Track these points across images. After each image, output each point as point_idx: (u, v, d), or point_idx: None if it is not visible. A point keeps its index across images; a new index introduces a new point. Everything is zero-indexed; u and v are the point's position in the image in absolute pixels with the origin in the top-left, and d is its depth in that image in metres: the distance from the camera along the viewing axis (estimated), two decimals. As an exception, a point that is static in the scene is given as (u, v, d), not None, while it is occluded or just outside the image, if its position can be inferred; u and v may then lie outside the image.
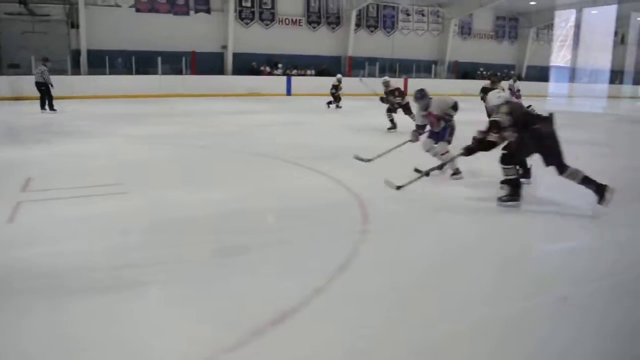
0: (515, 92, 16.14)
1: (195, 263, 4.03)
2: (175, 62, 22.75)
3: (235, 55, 24.83)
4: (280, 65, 25.56)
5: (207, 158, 8.44)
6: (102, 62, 21.52)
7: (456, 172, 6.89)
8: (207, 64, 23.64)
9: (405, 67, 28.05)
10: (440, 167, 6.58)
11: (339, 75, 18.21)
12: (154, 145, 9.47)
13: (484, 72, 29.62)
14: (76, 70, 21.31)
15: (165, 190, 6.15)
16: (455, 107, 6.91)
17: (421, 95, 7.15)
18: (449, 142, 6.95)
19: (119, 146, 9.40)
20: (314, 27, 27.12)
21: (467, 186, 6.56)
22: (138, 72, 21.91)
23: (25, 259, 4.07)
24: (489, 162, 6.15)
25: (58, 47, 21.18)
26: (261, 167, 7.71)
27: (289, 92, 24.22)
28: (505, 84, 15.18)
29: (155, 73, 21.85)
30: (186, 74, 23.07)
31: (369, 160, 7.36)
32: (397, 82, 13.41)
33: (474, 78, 28.58)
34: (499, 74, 20.84)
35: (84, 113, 14.80)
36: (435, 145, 7.04)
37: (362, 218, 5.18)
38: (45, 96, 15.01)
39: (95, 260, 4.06)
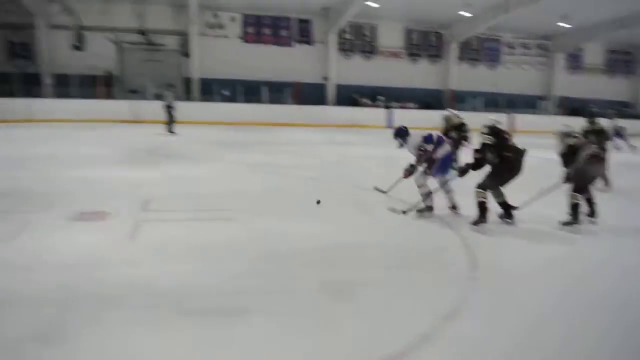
0: (617, 132, 14.91)
1: (300, 296, 4.02)
2: (279, 92, 23.48)
3: (336, 86, 25.22)
4: (380, 98, 25.61)
5: (310, 188, 8.51)
6: (212, 89, 22.67)
7: (453, 207, 6.73)
8: (309, 94, 24.18)
9: (510, 102, 27.16)
10: (423, 209, 6.54)
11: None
12: (260, 172, 9.71)
13: (594, 109, 28.06)
14: (188, 96, 22.53)
15: (270, 219, 6.25)
16: (427, 139, 6.59)
17: (395, 133, 6.97)
18: (427, 174, 6.62)
19: (228, 172, 9.74)
20: (415, 60, 27.05)
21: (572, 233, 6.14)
22: (244, 101, 22.79)
23: (143, 276, 4.24)
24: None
25: (172, 74, 22.57)
26: (364, 200, 7.64)
27: (389, 125, 24.16)
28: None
29: (260, 102, 22.64)
30: (289, 103, 23.70)
31: (384, 192, 7.59)
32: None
33: (583, 115, 27.06)
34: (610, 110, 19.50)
35: (195, 138, 15.54)
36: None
37: (468, 259, 4.98)
38: (169, 119, 16.25)
39: (206, 283, 4.17)
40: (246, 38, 24.33)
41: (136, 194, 7.29)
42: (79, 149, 12.24)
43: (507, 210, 6.28)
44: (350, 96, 25.17)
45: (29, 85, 21.02)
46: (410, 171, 6.79)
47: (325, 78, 25.20)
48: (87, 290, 3.94)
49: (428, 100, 25.89)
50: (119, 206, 6.47)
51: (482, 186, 6.02)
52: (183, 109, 20.47)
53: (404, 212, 6.34)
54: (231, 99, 23.02)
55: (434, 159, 6.58)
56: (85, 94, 21.39)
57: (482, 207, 5.98)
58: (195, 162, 10.83)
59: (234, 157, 11.56)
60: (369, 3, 21.20)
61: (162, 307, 3.68)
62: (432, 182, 6.77)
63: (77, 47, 21.68)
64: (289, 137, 17.55)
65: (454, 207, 6.75)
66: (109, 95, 22.00)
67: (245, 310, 3.67)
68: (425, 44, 27.26)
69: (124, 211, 6.27)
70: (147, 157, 11.24)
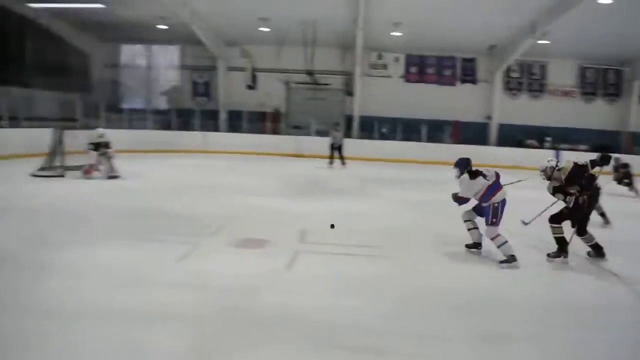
0: None
1: (456, 344, 3.80)
2: (438, 130, 23.17)
3: (499, 126, 24.27)
4: (548, 139, 24.08)
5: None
6: (371, 127, 23.06)
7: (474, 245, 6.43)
8: (470, 133, 23.51)
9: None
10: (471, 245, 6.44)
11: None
12: (416, 211, 9.53)
13: None
14: (348, 133, 23.16)
15: (424, 259, 6.13)
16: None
17: (457, 163, 6.43)
18: (493, 224, 6.03)
19: (384, 208, 9.69)
20: (589, 99, 25.10)
21: None
22: (403, 138, 22.83)
23: (297, 306, 4.30)
24: None
25: (334, 112, 23.42)
26: (527, 248, 7.01)
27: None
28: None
29: (419, 140, 22.51)
30: (448, 142, 23.26)
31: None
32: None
33: None
34: None
35: (354, 174, 15.82)
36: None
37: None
38: (335, 154, 17.29)
39: (356, 319, 4.13)
40: (408, 77, 24.48)
41: (295, 225, 7.54)
42: (246, 179, 13.06)
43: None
44: (513, 136, 24.02)
45: (206, 119, 23.20)
46: (456, 197, 6.35)
47: (488, 117, 24.38)
48: (244, 315, 4.11)
49: (602, 141, 23.76)
50: (279, 236, 6.74)
51: None
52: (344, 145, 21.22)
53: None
54: (390, 136, 23.19)
55: (496, 207, 6.07)
56: (255, 128, 23.04)
57: None
58: (353, 197, 10.98)
59: (390, 194, 11.52)
60: (540, 42, 20.23)
61: (314, 339, 3.69)
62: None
63: (251, 87, 23.66)
64: (447, 175, 17.09)
65: (475, 245, 6.46)
66: (276, 131, 23.47)
67: (396, 354, 3.54)
68: (601, 82, 25.21)
69: (282, 241, 6.51)
70: (308, 190, 11.63)
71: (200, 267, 5.32)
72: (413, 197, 11.23)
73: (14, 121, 17.03)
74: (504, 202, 6.14)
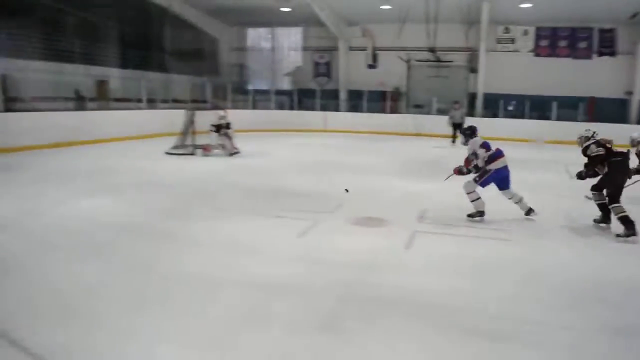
0: None
1: (580, 334, 3.57)
2: (570, 108, 21.64)
3: (641, 102, 22.19)
4: None
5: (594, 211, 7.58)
6: (496, 105, 22.07)
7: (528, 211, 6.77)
8: (607, 110, 21.70)
9: None
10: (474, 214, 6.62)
11: None
12: (539, 194, 8.99)
13: None
14: (470, 112, 22.38)
15: (547, 242, 5.82)
16: (484, 145, 6.72)
17: (464, 130, 7.30)
18: (476, 182, 6.64)
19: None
20: None
21: None
22: (531, 117, 21.65)
23: (413, 285, 4.30)
24: None
25: (456, 90, 22.72)
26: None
27: None
28: None
29: (548, 118, 21.21)
30: (581, 120, 21.69)
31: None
32: None
33: None
34: None
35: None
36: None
37: None
38: (456, 133, 16.75)
39: (472, 301, 4.06)
40: (538, 51, 23.01)
41: (414, 204, 7.50)
42: (365, 158, 13.14)
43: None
44: (659, 114, 21.85)
45: (327, 99, 23.56)
46: (459, 169, 6.85)
47: (629, 93, 22.33)
48: (361, 290, 4.19)
49: None
50: (397, 215, 6.74)
51: None
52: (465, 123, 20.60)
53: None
54: (517, 114, 22.07)
55: (486, 170, 6.61)
56: (375, 108, 23.02)
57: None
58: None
59: (515, 176, 10.96)
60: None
61: (429, 319, 3.68)
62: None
63: (371, 66, 23.72)
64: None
65: (529, 212, 6.77)
66: (396, 110, 23.27)
67: (515, 340, 3.42)
68: None
69: (401, 220, 6.50)
70: (426, 170, 11.43)
71: (320, 243, 5.48)
72: (536, 179, 10.62)
73: (151, 103, 18.49)
74: (497, 170, 6.64)
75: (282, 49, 25.96)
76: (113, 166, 10.60)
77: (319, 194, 8.19)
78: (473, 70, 22.93)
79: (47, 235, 5.60)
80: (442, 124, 17.88)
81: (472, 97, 22.86)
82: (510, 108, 22.47)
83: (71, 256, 4.91)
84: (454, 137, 17.04)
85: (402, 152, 15.21)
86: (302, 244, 5.48)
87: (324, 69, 25.45)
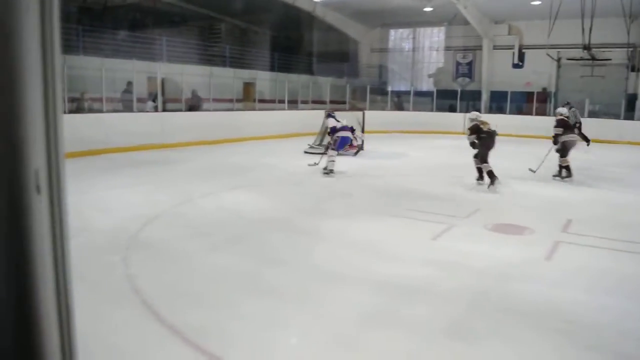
0: None
1: None
2: None
3: None
4: None
5: None
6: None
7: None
8: None
9: None
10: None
11: None
12: None
13: None
14: (629, 114, 20.39)
15: None
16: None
17: None
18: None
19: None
20: None
21: None
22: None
23: (555, 299, 4.03)
24: None
25: (613, 90, 20.83)
26: None
27: None
28: None
29: None
30: None
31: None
32: None
33: None
34: None
35: (620, 160, 13.93)
36: None
37: None
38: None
39: (621, 323, 3.69)
40: None
41: (558, 213, 7.05)
42: (505, 161, 12.42)
43: None
44: None
45: (468, 100, 22.75)
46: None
47: None
48: (496, 300, 4.02)
49: None
50: (539, 223, 6.38)
51: None
52: (617, 127, 18.86)
53: None
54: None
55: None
56: (519, 109, 21.79)
57: None
58: (617, 186, 9.63)
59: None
60: None
61: (570, 336, 3.42)
62: None
63: (517, 65, 22.50)
64: None
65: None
66: (542, 112, 21.73)
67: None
68: None
69: (543, 229, 6.14)
70: (574, 176, 10.61)
71: (455, 248, 5.35)
72: None
73: (292, 104, 19.36)
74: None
75: (423, 50, 25.63)
76: (254, 163, 11.24)
77: (454, 197, 8.03)
78: (634, 69, 20.84)
79: (195, 223, 6.09)
80: (596, 127, 16.46)
81: (632, 98, 20.82)
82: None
83: (215, 244, 5.27)
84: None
85: (548, 156, 14.21)
86: (436, 247, 5.41)
87: (466, 69, 24.72)
